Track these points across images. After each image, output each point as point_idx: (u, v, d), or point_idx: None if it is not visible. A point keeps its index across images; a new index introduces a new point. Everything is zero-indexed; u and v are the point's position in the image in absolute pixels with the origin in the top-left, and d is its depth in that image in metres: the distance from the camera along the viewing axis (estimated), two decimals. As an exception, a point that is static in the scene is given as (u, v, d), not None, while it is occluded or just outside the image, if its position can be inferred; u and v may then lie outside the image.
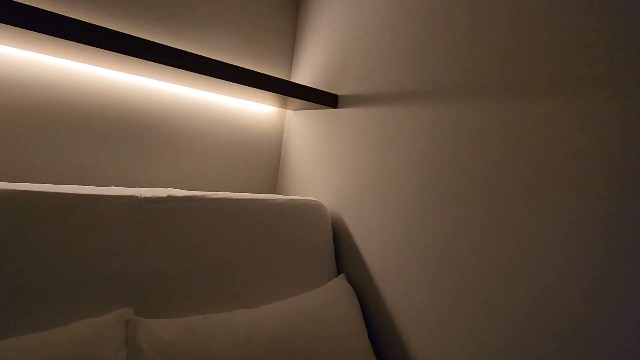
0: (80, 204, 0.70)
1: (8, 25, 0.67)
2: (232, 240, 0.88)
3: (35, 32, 0.69)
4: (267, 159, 1.35)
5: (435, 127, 0.85)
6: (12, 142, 0.87)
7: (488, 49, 0.76)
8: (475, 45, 0.78)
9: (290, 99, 1.10)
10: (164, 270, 0.76)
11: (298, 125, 1.32)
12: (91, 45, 0.74)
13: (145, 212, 0.77)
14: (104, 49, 0.76)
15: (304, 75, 1.30)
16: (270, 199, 1.00)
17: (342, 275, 1.03)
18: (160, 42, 0.86)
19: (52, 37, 0.71)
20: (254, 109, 1.30)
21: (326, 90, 1.14)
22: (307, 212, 1.05)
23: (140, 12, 1.02)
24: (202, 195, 0.88)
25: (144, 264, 0.74)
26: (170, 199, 0.82)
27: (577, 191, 0.61)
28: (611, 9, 0.60)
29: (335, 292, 0.95)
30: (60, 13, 0.75)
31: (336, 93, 1.15)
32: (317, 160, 1.22)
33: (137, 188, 0.83)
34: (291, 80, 1.35)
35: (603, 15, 0.60)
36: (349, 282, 1.02)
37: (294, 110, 1.35)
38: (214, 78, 0.92)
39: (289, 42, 1.34)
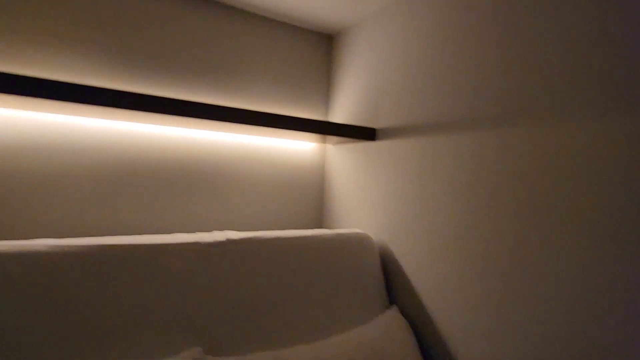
0: (155, 253, 0.79)
1: (81, 104, 0.79)
2: (286, 278, 0.93)
3: (108, 107, 0.81)
4: (311, 193, 1.41)
5: (477, 155, 0.86)
6: (90, 200, 1.00)
7: (524, 73, 0.77)
8: (510, 71, 0.80)
9: (329, 136, 1.16)
10: (227, 310, 0.82)
11: (339, 158, 1.38)
12: (163, 113, 0.85)
13: (208, 256, 0.85)
14: (173, 114, 0.87)
15: (341, 112, 1.36)
16: (318, 235, 1.04)
17: (394, 307, 1.03)
18: (214, 104, 0.97)
19: (125, 110, 0.83)
20: (296, 147, 1.37)
21: (363, 126, 1.18)
22: (354, 244, 1.08)
23: (195, 78, 1.15)
24: (256, 237, 0.94)
25: (210, 305, 0.80)
26: (229, 242, 0.89)
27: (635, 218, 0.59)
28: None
29: (390, 325, 0.95)
30: (127, 90, 0.87)
31: (374, 127, 1.19)
32: (360, 192, 1.25)
33: (197, 233, 0.91)
34: (329, 119, 1.42)
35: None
36: (402, 313, 1.02)
37: (334, 144, 1.41)
38: (259, 127, 1.00)
39: (325, 83, 1.42)
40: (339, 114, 1.37)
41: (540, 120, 0.74)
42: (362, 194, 1.24)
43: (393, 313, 1.00)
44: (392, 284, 1.10)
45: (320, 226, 1.42)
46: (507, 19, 0.81)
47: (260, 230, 1.05)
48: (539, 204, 0.73)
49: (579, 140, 0.68)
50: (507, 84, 0.80)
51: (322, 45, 1.42)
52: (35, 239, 0.74)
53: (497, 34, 0.83)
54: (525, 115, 0.77)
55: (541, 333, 0.71)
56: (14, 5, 0.90)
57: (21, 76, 0.73)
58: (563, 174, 0.70)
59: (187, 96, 1.14)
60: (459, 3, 0.93)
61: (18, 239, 0.75)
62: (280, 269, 0.93)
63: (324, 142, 1.38)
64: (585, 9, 0.68)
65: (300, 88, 1.36)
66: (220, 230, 1.02)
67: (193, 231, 1.05)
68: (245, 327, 0.82)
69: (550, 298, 0.70)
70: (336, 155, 1.39)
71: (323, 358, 0.79)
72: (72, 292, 0.69)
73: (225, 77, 1.21)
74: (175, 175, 1.13)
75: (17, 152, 0.92)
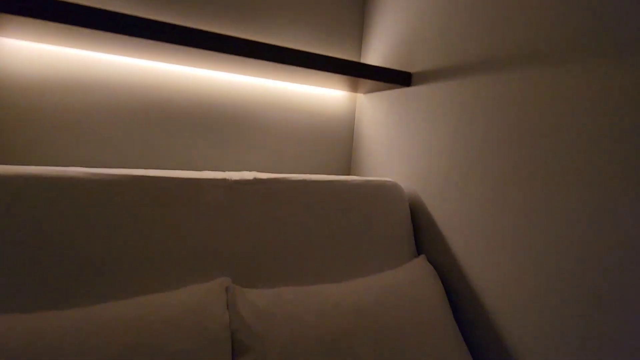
0: (183, 187, 0.79)
1: (111, 33, 0.77)
2: (313, 220, 0.92)
3: (135, 38, 0.79)
4: (340, 142, 1.37)
5: (525, 96, 0.79)
6: (122, 137, 1.02)
7: (579, 3, 0.67)
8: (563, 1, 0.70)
9: (361, 80, 1.10)
10: (255, 246, 0.82)
11: (370, 107, 1.32)
12: (187, 45, 0.82)
13: (235, 193, 0.84)
14: (197, 47, 0.84)
15: (374, 55, 1.29)
16: (347, 180, 1.02)
17: (422, 255, 1.01)
18: (239, 36, 0.93)
19: (153, 41, 0.80)
20: (327, 95, 1.32)
21: (398, 69, 1.11)
22: (384, 192, 1.05)
23: (220, 10, 1.11)
24: (285, 177, 0.93)
25: (237, 240, 0.81)
26: (256, 181, 0.88)
27: None
28: None
29: (417, 271, 0.94)
30: (152, 18, 0.84)
31: (409, 71, 1.12)
32: (391, 141, 1.20)
33: (226, 172, 0.90)
34: (361, 61, 1.35)
35: None
36: (430, 262, 1.00)
37: (364, 93, 1.35)
38: (288, 65, 0.96)
39: (358, 24, 1.34)
40: (371, 59, 1.30)
41: (598, 57, 0.65)
42: (393, 143, 1.19)
43: (421, 261, 0.98)
44: (421, 234, 1.07)
45: (348, 174, 1.40)
46: None
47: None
48: (601, 153, 0.66)
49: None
50: (563, 16, 0.71)
51: (356, -16, 1.32)
52: (70, 167, 0.75)
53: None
54: (581, 51, 0.68)
55: (576, 281, 0.67)
56: None
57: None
58: (625, 118, 0.62)
59: (217, 29, 1.10)
60: None
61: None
62: (307, 211, 0.92)
63: (355, 90, 1.32)
64: None
65: (332, 29, 1.29)
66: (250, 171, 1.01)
67: (223, 171, 1.05)
68: (271, 264, 0.83)
69: (588, 247, 0.65)
70: (367, 104, 1.33)
71: (348, 297, 0.78)
72: (105, 219, 0.71)
73: (251, 13, 1.15)
74: (206, 117, 1.12)
75: (56, 87, 0.93)
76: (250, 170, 1.05)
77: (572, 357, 0.68)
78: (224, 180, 0.84)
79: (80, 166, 0.82)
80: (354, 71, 1.04)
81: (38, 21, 0.72)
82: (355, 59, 1.35)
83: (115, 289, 0.67)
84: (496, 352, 0.83)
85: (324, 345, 0.67)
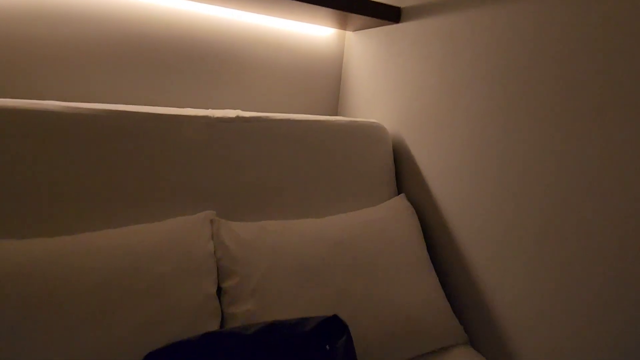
0: (164, 123, 0.79)
1: None
2: (296, 158, 0.93)
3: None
4: (328, 82, 1.35)
5: (515, 31, 0.77)
6: (104, 70, 0.98)
7: None
8: None
9: (349, 16, 1.05)
10: (238, 183, 0.85)
11: (359, 46, 1.28)
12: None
13: (217, 130, 0.85)
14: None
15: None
16: (331, 120, 1.02)
17: (402, 194, 1.05)
18: None
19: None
20: (315, 33, 1.27)
21: (387, 3, 1.06)
22: (367, 133, 1.06)
23: None
24: (267, 116, 0.92)
25: (220, 176, 0.83)
26: (239, 119, 0.88)
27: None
28: None
29: (396, 208, 0.98)
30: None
31: (399, 5, 1.07)
32: (378, 81, 1.18)
33: (209, 110, 0.90)
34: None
35: None
36: (410, 201, 1.04)
37: (353, 31, 1.30)
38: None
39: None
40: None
41: (595, -18, 0.63)
42: (380, 84, 1.18)
43: (400, 199, 1.02)
44: (403, 174, 1.10)
45: (336, 115, 1.39)
46: None
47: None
48: (577, 92, 0.67)
49: None
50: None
51: None
52: (47, 100, 0.74)
53: None
54: (578, -24, 0.65)
55: (551, 234, 0.71)
56: None
57: None
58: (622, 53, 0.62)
59: None
60: None
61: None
62: (290, 150, 0.93)
63: (344, 27, 1.26)
64: None
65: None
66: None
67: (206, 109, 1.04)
68: (255, 200, 0.86)
69: (571, 185, 0.68)
70: (356, 43, 1.29)
71: (328, 231, 0.83)
72: (84, 153, 0.71)
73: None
74: (189, 54, 1.08)
75: (32, 17, 0.88)
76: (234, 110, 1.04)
77: (524, 272, 0.75)
78: (205, 117, 0.84)
79: (58, 100, 0.80)
80: (341, 4, 0.99)
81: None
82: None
83: (99, 222, 0.69)
84: (465, 283, 0.90)
85: (301, 273, 0.73)
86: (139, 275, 0.60)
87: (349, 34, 1.33)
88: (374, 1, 1.03)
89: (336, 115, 1.39)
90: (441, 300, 0.87)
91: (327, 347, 0.61)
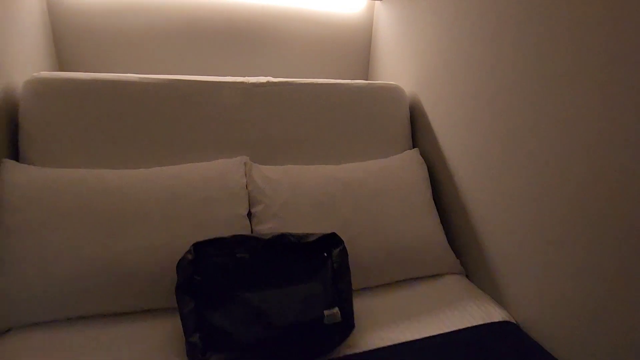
0: (210, 88, 1.01)
1: None
2: (318, 116, 1.10)
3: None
4: (359, 49, 1.47)
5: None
6: (168, 49, 1.23)
7: None
8: None
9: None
10: (268, 135, 1.05)
11: (384, 15, 1.37)
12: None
13: (251, 93, 1.04)
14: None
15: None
16: (352, 83, 1.16)
17: (415, 149, 1.17)
18: None
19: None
20: (349, 3, 1.39)
21: (404, -29, 1.15)
22: (385, 94, 1.18)
23: None
24: (293, 81, 1.10)
25: (253, 129, 1.03)
26: (269, 83, 1.07)
27: None
28: None
29: (406, 159, 1.11)
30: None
31: (416, -28, 1.15)
32: (399, 47, 1.28)
33: (245, 77, 1.09)
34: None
35: None
36: (423, 155, 1.15)
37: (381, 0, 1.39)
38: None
39: None
40: (386, -37, 1.31)
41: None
42: (400, 50, 1.27)
43: (412, 152, 1.14)
44: (419, 130, 1.21)
45: (366, 79, 1.52)
46: None
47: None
48: (589, 55, 0.73)
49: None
50: None
51: None
52: (127, 73, 0.99)
53: None
54: None
55: (559, 180, 0.79)
56: None
57: None
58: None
59: None
60: None
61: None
62: (312, 109, 1.10)
63: (373, -2, 1.37)
64: None
65: None
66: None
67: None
68: (279, 149, 1.05)
69: (580, 144, 0.70)
70: (382, 12, 1.39)
71: (340, 174, 0.99)
72: (153, 111, 0.96)
73: None
74: (233, 32, 1.29)
75: (114, 10, 1.15)
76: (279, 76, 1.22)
77: (524, 228, 0.85)
78: (242, 83, 1.04)
79: (133, 73, 1.05)
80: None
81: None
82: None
83: (164, 161, 0.94)
84: (465, 226, 1.02)
85: (314, 205, 0.91)
86: (193, 197, 0.84)
87: (377, 4, 1.42)
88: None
89: (367, 79, 1.51)
90: (439, 235, 1.00)
91: (325, 254, 0.79)
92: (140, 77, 0.97)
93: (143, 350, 0.68)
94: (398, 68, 1.31)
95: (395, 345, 0.73)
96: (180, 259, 0.72)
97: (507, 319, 0.84)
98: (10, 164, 0.82)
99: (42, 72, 0.92)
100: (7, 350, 0.67)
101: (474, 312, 0.85)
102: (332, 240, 0.81)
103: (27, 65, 0.99)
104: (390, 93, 1.19)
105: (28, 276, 0.72)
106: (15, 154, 0.89)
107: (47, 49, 1.12)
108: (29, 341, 0.69)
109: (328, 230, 0.83)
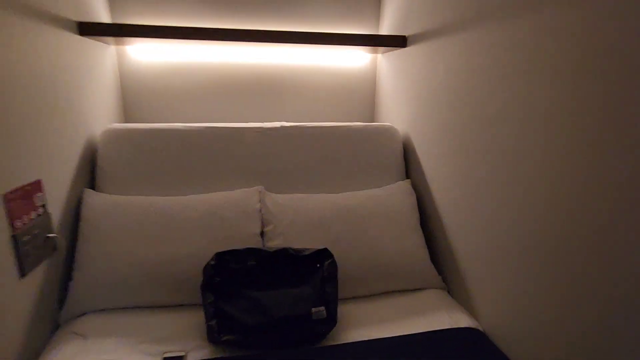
0: (234, 132, 1.28)
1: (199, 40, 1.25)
2: (323, 153, 1.33)
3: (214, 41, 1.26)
4: (365, 95, 1.72)
5: (478, 57, 1.04)
6: (207, 102, 1.55)
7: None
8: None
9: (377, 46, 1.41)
10: (280, 170, 1.29)
11: (384, 65, 1.62)
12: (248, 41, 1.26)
13: (267, 136, 1.31)
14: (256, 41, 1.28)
15: (388, 24, 1.55)
16: (351, 125, 1.39)
17: (407, 180, 1.36)
18: (278, 29, 1.31)
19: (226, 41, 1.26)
20: (355, 58, 1.65)
21: (394, 34, 1.39)
22: (381, 134, 1.40)
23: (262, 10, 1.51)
24: (302, 125, 1.35)
25: (268, 165, 1.29)
26: (282, 128, 1.33)
27: None
28: None
29: (397, 189, 1.30)
30: (223, 27, 1.29)
31: (404, 34, 1.38)
32: (396, 93, 1.51)
33: (264, 123, 1.36)
34: (379, 31, 1.62)
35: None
36: (414, 187, 1.33)
37: (382, 53, 1.64)
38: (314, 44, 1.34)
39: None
40: (386, 26, 1.57)
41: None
42: (397, 95, 1.50)
43: (404, 183, 1.34)
44: (410, 164, 1.40)
45: (372, 121, 1.74)
46: None
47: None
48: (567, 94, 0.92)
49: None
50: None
51: (371, -40, 1.56)
52: (174, 123, 1.29)
53: None
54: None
55: (529, 204, 0.97)
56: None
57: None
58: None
59: (254, 25, 1.52)
60: None
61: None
62: (319, 148, 1.34)
63: (375, 52, 1.62)
64: None
65: (351, 4, 1.59)
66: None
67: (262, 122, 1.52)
68: (290, 181, 1.29)
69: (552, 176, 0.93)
70: (383, 63, 1.63)
71: (338, 201, 1.21)
72: (192, 151, 1.25)
73: (287, 6, 1.53)
74: (256, 86, 1.59)
75: (168, 71, 1.49)
76: (297, 121, 1.47)
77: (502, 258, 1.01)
78: (260, 128, 1.31)
79: (180, 122, 1.35)
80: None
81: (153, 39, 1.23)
82: (374, 29, 1.63)
83: (199, 189, 1.21)
84: (447, 250, 1.18)
85: (312, 224, 1.13)
86: (218, 217, 1.09)
87: (379, 56, 1.67)
88: (379, 35, 1.38)
89: (373, 121, 1.74)
90: (422, 253, 1.17)
91: (317, 265, 1.00)
92: (184, 126, 1.27)
93: (176, 331, 0.92)
94: (395, 110, 1.53)
95: (369, 341, 0.91)
96: (205, 265, 0.96)
97: (473, 326, 0.98)
98: (89, 192, 1.12)
99: (114, 124, 1.25)
100: (84, 328, 0.94)
101: (444, 319, 1.00)
102: (324, 254, 1.02)
103: (103, 117, 1.32)
104: (385, 132, 1.40)
105: (98, 274, 0.99)
106: (92, 185, 1.20)
107: (117, 102, 1.47)
108: (98, 322, 0.95)
109: (322, 246, 1.04)
